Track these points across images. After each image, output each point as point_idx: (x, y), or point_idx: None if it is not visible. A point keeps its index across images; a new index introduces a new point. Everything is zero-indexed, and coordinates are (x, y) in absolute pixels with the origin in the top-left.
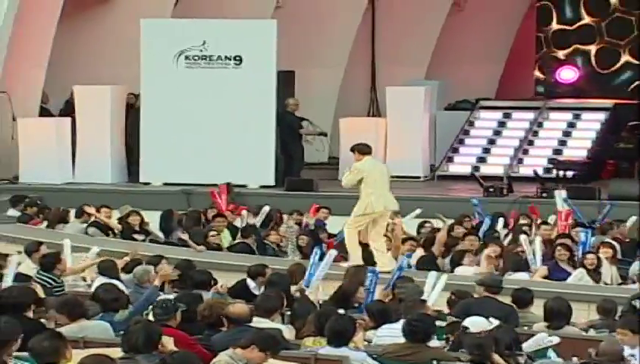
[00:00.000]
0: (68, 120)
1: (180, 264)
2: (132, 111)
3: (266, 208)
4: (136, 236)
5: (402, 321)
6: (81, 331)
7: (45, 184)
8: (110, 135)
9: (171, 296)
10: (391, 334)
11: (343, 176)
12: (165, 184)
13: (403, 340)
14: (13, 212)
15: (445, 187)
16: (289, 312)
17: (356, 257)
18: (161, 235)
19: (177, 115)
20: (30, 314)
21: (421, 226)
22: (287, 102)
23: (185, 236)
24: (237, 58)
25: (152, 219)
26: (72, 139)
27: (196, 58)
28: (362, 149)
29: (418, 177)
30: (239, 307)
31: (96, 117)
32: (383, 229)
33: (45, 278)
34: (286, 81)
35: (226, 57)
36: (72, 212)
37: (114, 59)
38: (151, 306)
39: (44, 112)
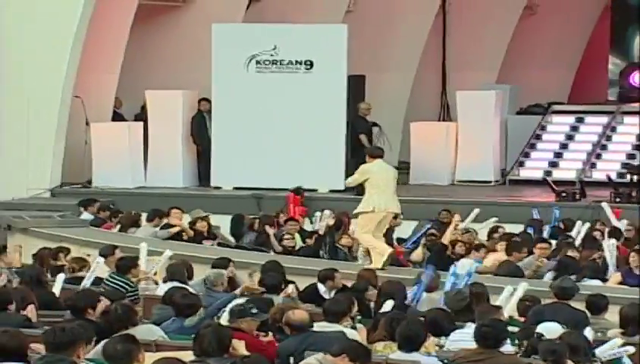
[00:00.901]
0: (140, 124)
1: (266, 265)
2: (197, 114)
3: (327, 212)
4: (205, 242)
5: (470, 325)
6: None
7: (118, 188)
8: (181, 139)
9: (242, 300)
10: (463, 338)
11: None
12: (236, 188)
13: (474, 345)
14: (86, 216)
15: (516, 192)
16: (359, 316)
17: (382, 248)
18: (231, 239)
19: (247, 120)
20: (92, 317)
21: (493, 231)
22: (359, 106)
23: (271, 231)
24: (308, 63)
25: (223, 223)
26: (144, 144)
27: (267, 62)
28: (373, 152)
29: (489, 182)
30: (298, 313)
31: (168, 121)
32: (384, 229)
33: (117, 282)
34: (356, 85)
35: (297, 61)
36: (143, 216)
37: (186, 64)
38: (224, 310)
39: (116, 117)
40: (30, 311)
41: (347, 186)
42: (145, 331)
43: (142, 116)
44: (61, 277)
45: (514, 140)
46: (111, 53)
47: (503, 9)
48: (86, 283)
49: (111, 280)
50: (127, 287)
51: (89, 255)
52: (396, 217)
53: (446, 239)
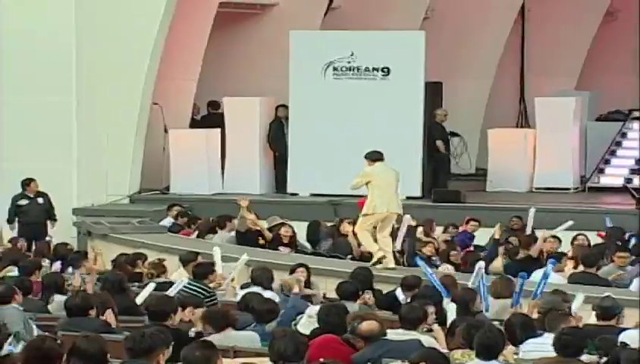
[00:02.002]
0: (218, 131)
1: (356, 271)
2: (275, 121)
3: (407, 217)
4: (282, 248)
5: (546, 336)
6: (227, 341)
7: (195, 195)
8: (259, 146)
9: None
10: (537, 349)
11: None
12: (313, 195)
13: (551, 354)
14: (167, 222)
15: (596, 199)
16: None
17: (373, 249)
18: (308, 245)
19: (324, 126)
20: (171, 323)
21: (574, 238)
22: (436, 113)
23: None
24: (385, 69)
25: (299, 229)
26: (221, 150)
27: (344, 69)
28: (372, 156)
29: (568, 189)
30: (367, 324)
31: (246, 128)
32: (388, 228)
33: (195, 288)
34: (433, 92)
35: (374, 68)
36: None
37: (264, 71)
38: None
39: (195, 124)
40: (109, 316)
41: (351, 189)
42: (248, 338)
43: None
44: (151, 286)
45: (594, 147)
46: (190, 60)
47: (584, 15)
48: (174, 290)
49: (189, 286)
50: (204, 292)
51: (164, 261)
52: (398, 217)
53: (535, 251)
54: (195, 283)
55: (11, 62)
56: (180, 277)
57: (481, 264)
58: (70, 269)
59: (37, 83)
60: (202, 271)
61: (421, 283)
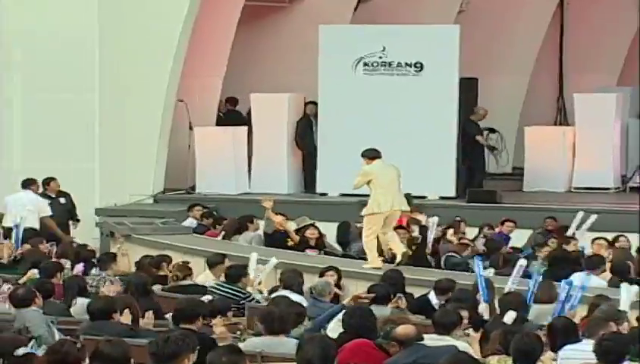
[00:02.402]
0: (245, 129)
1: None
2: (303, 118)
3: (434, 219)
4: (309, 251)
5: (585, 342)
6: (280, 348)
7: (221, 195)
8: (287, 144)
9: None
10: (575, 356)
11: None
12: (342, 195)
13: (592, 361)
14: (189, 222)
15: (638, 199)
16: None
17: (373, 259)
18: (338, 247)
19: (354, 124)
20: (195, 327)
21: (616, 240)
22: (477, 111)
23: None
24: (418, 65)
25: (329, 231)
26: (248, 148)
27: (376, 64)
28: (370, 154)
29: (608, 189)
30: (403, 328)
31: (273, 125)
32: (392, 224)
33: (228, 290)
34: (468, 89)
35: (406, 63)
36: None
37: (292, 66)
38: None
39: (221, 121)
40: (125, 317)
41: (353, 189)
42: (291, 346)
43: (248, 120)
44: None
45: (635, 145)
46: (216, 55)
47: (625, 10)
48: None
49: (219, 288)
50: (239, 295)
51: (189, 263)
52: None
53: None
54: (227, 286)
55: (33, 59)
56: (206, 280)
57: (523, 262)
58: (93, 271)
59: (59, 80)
60: (235, 273)
61: (455, 286)
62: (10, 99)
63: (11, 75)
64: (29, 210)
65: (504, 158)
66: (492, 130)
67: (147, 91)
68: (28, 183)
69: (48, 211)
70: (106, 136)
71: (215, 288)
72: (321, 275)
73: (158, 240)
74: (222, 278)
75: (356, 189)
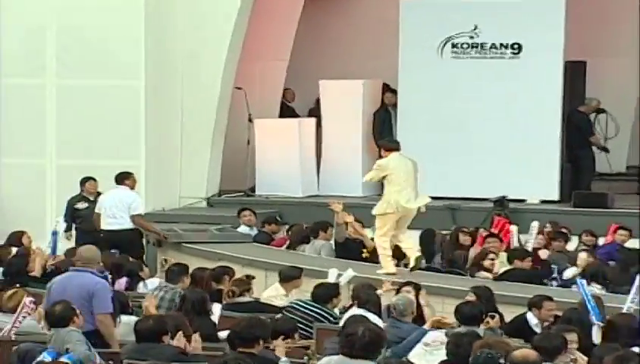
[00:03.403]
0: (313, 120)
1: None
2: (380, 108)
3: (535, 224)
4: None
5: None
6: None
7: (285, 197)
8: (362, 138)
9: (437, 333)
10: None
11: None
12: None
13: None
14: (241, 229)
15: None
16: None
17: (387, 265)
18: None
19: (440, 115)
20: (255, 351)
21: None
22: (588, 101)
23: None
24: (515, 46)
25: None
26: (317, 144)
27: (466, 46)
28: (387, 145)
29: None
30: (523, 353)
31: (346, 117)
32: (406, 225)
33: (319, 312)
34: (575, 73)
35: (501, 45)
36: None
37: (368, 49)
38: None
39: (287, 112)
40: (179, 339)
41: (366, 183)
42: None
43: (316, 111)
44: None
45: None
46: (279, 37)
47: None
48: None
49: (303, 308)
50: (330, 318)
51: (253, 278)
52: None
53: None
54: (317, 307)
55: (71, 43)
56: (275, 295)
57: None
58: (140, 286)
59: (100, 66)
60: (325, 292)
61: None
62: (43, 87)
63: (45, 60)
64: (121, 209)
65: (622, 151)
66: (600, 110)
67: (200, 77)
68: (122, 178)
69: (138, 209)
70: (153, 130)
71: (298, 307)
72: (398, 291)
73: (213, 250)
74: (294, 295)
75: (368, 182)
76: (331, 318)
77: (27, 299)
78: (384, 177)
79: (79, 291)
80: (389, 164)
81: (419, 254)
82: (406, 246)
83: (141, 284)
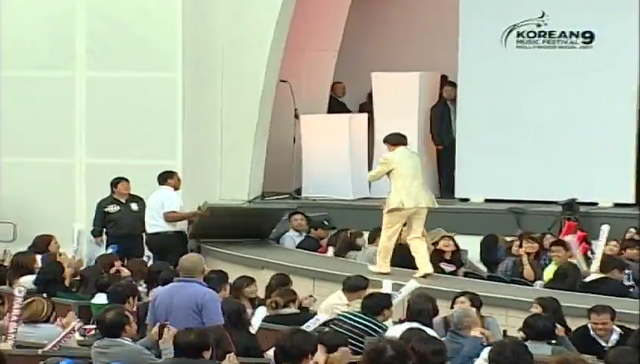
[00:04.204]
0: (364, 116)
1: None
2: (439, 103)
3: (605, 227)
4: (444, 265)
5: None
6: None
7: (334, 200)
8: (417, 136)
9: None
10: None
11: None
12: (488, 201)
13: None
14: (289, 235)
15: None
16: None
17: (381, 263)
18: (482, 267)
19: (504, 110)
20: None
21: None
22: None
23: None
24: (587, 35)
25: (471, 246)
26: (369, 141)
27: (532, 34)
28: (393, 140)
29: None
30: None
31: (400, 112)
32: (420, 228)
33: (368, 324)
34: None
35: (572, 33)
36: (365, 235)
37: (425, 38)
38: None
39: (336, 107)
40: (230, 361)
41: (369, 181)
42: None
43: (368, 106)
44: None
45: None
46: (328, 26)
47: None
48: (312, 324)
49: (353, 320)
50: (380, 331)
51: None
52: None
53: None
54: (368, 319)
55: (103, 33)
56: (335, 303)
57: None
58: None
59: (133, 57)
60: (376, 303)
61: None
62: (72, 79)
63: (75, 50)
64: (159, 211)
65: None
66: None
67: (241, 69)
68: (165, 177)
69: (171, 206)
70: (191, 127)
71: (346, 319)
72: (453, 302)
73: (254, 257)
74: (355, 305)
75: (373, 180)
76: (382, 331)
77: (77, 324)
78: (389, 174)
79: (186, 303)
80: (394, 157)
81: (430, 271)
82: (419, 257)
83: None
